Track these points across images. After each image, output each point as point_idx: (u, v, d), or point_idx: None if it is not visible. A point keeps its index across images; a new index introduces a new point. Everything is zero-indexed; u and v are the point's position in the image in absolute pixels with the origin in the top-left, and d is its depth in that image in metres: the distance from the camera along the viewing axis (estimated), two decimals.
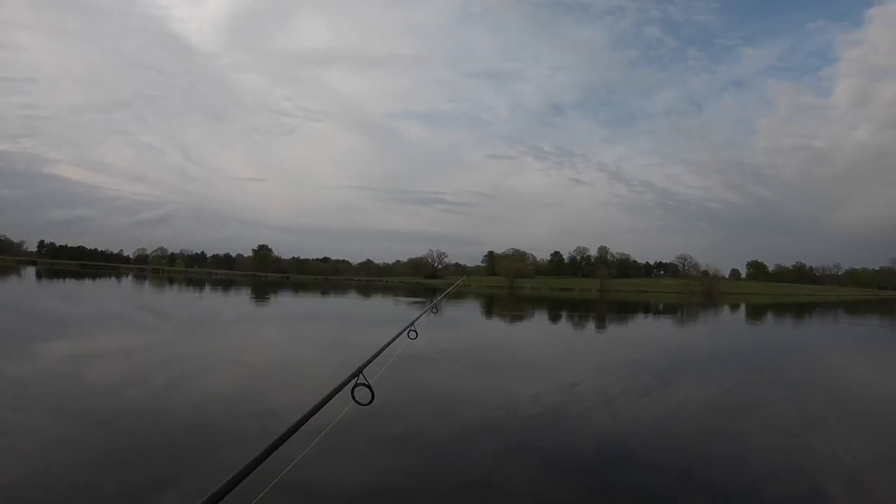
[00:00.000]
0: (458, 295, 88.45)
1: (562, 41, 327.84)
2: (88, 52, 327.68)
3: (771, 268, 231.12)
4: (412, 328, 5.87)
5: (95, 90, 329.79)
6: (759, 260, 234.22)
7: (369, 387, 3.32)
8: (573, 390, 14.47)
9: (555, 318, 46.47)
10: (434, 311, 9.74)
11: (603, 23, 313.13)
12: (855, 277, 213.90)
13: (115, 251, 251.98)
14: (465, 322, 39.02)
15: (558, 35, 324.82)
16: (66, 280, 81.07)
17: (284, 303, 53.77)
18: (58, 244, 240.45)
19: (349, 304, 57.71)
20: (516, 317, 47.23)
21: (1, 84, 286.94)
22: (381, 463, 8.54)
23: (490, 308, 58.74)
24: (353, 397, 3.31)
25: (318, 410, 2.92)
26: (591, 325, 40.45)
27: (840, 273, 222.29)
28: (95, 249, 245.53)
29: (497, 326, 38.92)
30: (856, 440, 10.72)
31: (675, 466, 8.77)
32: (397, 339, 5.24)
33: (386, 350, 4.72)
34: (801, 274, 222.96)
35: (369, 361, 3.75)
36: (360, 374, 3.37)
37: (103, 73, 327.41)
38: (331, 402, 3.06)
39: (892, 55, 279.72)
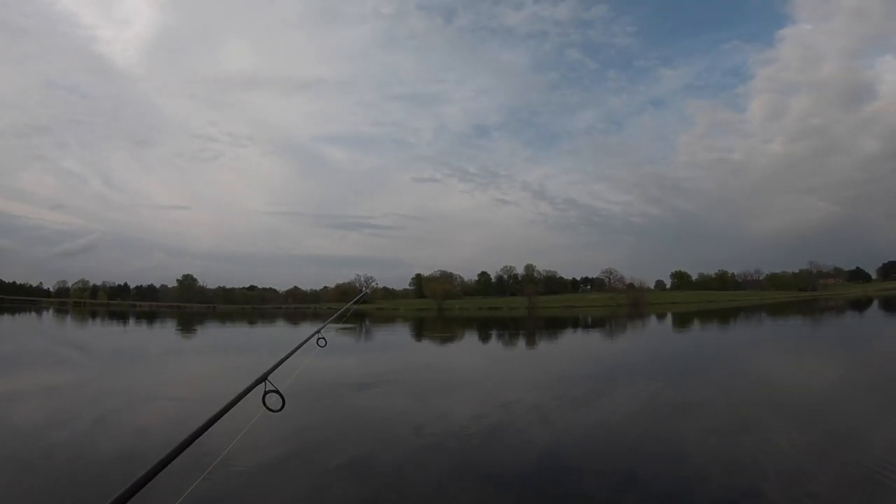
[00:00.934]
0: (387, 319, 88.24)
1: (486, 64, 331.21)
2: (9, 73, 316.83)
3: (694, 276, 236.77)
4: (320, 336, 5.87)
5: (15, 114, 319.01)
6: (682, 270, 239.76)
7: (280, 393, 3.20)
8: (508, 407, 14.42)
9: (485, 338, 46.51)
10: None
11: (526, 46, 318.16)
12: (775, 281, 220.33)
13: (35, 284, 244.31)
14: (394, 346, 38.88)
15: (482, 58, 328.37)
16: None
17: (210, 335, 52.69)
18: None
19: (277, 332, 56.91)
20: (446, 338, 47.15)
21: None
22: (331, 491, 8.36)
23: (419, 330, 58.54)
24: (265, 404, 3.18)
25: (224, 413, 2.85)
26: (521, 343, 40.67)
27: (761, 278, 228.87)
28: (14, 282, 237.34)
29: (427, 349, 38.72)
30: (785, 434, 11.01)
31: (616, 472, 8.83)
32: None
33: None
34: (723, 281, 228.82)
35: (276, 366, 3.63)
36: (267, 381, 3.26)
37: (24, 96, 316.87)
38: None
39: (802, 72, 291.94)
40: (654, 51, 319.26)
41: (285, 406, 3.26)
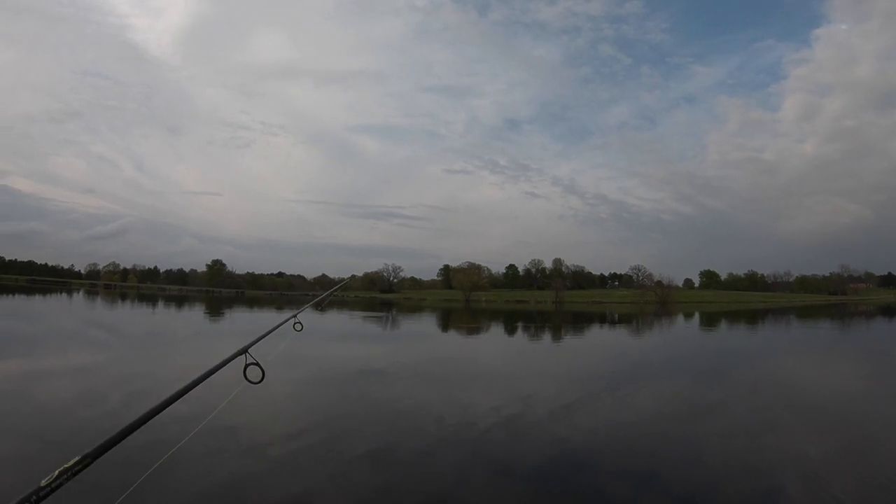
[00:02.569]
0: (414, 308, 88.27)
1: (518, 58, 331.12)
2: (43, 60, 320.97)
3: (724, 276, 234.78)
4: (296, 320, 5.96)
5: (49, 100, 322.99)
6: (711, 269, 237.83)
7: (259, 366, 3.29)
8: (531, 401, 14.43)
9: (511, 331, 46.46)
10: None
11: (559, 41, 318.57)
12: (805, 284, 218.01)
13: (67, 266, 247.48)
14: (419, 335, 39.00)
15: (515, 52, 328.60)
16: (16, 296, 79.35)
17: (238, 318, 53.08)
18: (7, 258, 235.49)
19: (304, 319, 57.08)
20: (471, 330, 47.19)
21: None
22: (351, 479, 8.45)
23: (445, 321, 58.60)
24: (246, 376, 3.27)
25: (202, 381, 2.91)
26: (546, 337, 40.53)
27: (791, 280, 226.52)
28: (46, 264, 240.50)
29: (452, 339, 38.86)
30: (809, 438, 10.93)
31: (634, 471, 8.80)
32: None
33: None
34: (752, 282, 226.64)
35: (257, 341, 3.70)
36: (248, 353, 3.34)
37: (58, 83, 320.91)
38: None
39: (837, 72, 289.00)
40: (687, 47, 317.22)
41: (265, 378, 3.33)
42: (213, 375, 2.92)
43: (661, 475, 8.60)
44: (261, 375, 3.26)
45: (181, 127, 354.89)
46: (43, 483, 1.33)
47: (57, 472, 1.53)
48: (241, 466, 8.55)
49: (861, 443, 10.82)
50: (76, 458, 1.67)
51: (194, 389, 2.84)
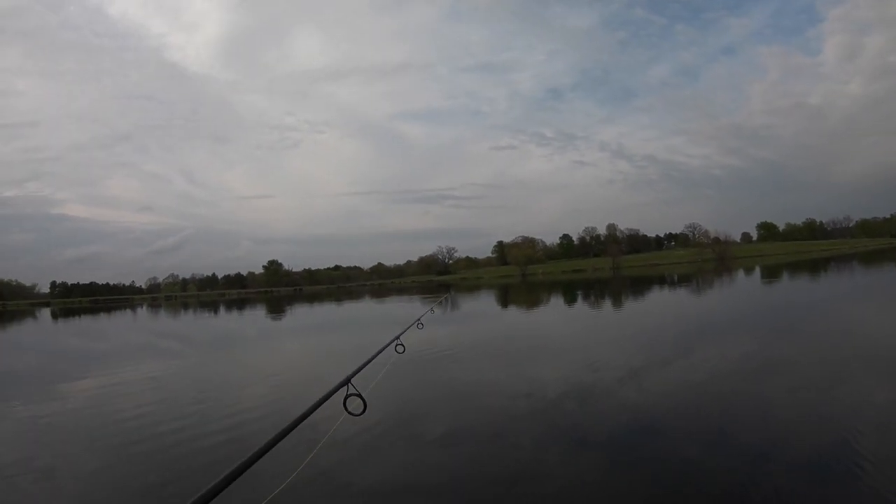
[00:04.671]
0: (471, 288, 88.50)
1: (553, 28, 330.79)
2: (87, 91, 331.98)
3: (781, 227, 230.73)
4: (399, 342, 5.93)
5: (96, 126, 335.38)
6: (768, 220, 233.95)
7: (361, 397, 3.31)
8: (598, 370, 14.51)
9: (570, 301, 46.42)
10: (419, 326, 9.88)
11: (592, 8, 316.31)
12: (867, 228, 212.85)
13: (128, 283, 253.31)
14: (479, 314, 39.17)
15: (549, 23, 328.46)
16: (81, 317, 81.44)
17: (298, 315, 53.81)
18: (70, 283, 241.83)
19: (364, 308, 57.80)
20: (531, 303, 47.20)
21: (2, 131, 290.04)
22: (422, 460, 8.67)
23: (504, 297, 58.65)
24: (346, 408, 3.31)
25: (303, 420, 2.95)
26: (607, 304, 40.42)
27: (851, 225, 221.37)
28: (107, 284, 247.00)
29: (512, 315, 38.99)
30: (879, 389, 10.76)
31: (706, 432, 8.85)
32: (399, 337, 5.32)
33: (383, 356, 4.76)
34: (812, 230, 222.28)
35: (358, 371, 3.74)
36: (350, 384, 3.36)
37: (103, 109, 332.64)
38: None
39: (875, 8, 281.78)
40: (719, 1, 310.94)
41: (366, 411, 3.38)
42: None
43: (732, 433, 8.63)
44: (362, 407, 3.31)
45: (228, 135, 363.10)
46: None
47: None
48: (317, 452, 8.74)
49: None
50: None
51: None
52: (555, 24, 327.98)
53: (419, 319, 10.66)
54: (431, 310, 19.14)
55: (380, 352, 5.08)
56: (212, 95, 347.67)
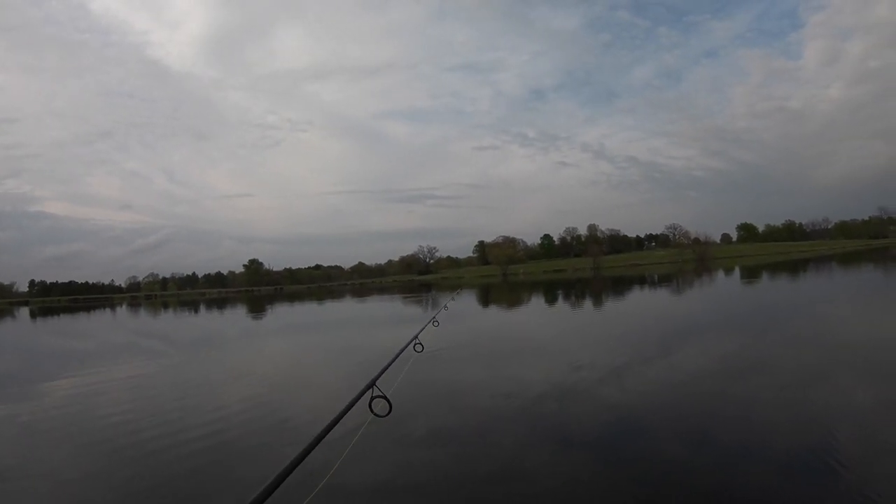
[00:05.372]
0: (452, 287, 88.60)
1: (537, 30, 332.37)
2: (68, 87, 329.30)
3: (761, 228, 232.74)
4: (417, 341, 5.95)
5: (77, 123, 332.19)
6: (748, 222, 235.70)
7: (386, 398, 3.35)
8: (580, 369, 14.58)
9: (551, 301, 46.55)
10: (435, 324, 10.00)
11: (576, 10, 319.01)
12: (845, 230, 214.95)
13: (107, 282, 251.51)
14: (460, 314, 39.22)
15: (534, 24, 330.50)
16: (60, 316, 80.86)
17: (278, 314, 53.66)
18: (49, 281, 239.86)
19: (346, 308, 57.67)
20: (512, 303, 47.30)
21: None
22: (407, 460, 8.66)
23: (484, 298, 58.70)
24: (372, 410, 3.33)
25: (335, 425, 2.96)
26: (588, 304, 40.57)
27: (830, 227, 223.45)
28: (87, 282, 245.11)
29: (493, 315, 39.05)
30: (860, 388, 10.92)
31: (688, 430, 8.94)
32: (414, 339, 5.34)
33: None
34: (791, 232, 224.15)
35: (381, 373, 3.78)
36: (375, 386, 3.40)
37: (84, 106, 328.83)
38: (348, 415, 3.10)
39: (855, 15, 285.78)
40: (702, 3, 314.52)
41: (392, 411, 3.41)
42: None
43: (714, 433, 8.72)
44: (388, 408, 3.34)
45: (210, 133, 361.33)
46: None
47: None
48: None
49: None
50: None
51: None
52: (539, 25, 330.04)
53: (434, 317, 10.78)
54: (445, 306, 19.14)
55: (400, 352, 5.10)
56: (194, 93, 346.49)
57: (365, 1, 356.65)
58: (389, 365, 4.41)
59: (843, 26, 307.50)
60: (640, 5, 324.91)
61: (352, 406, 3.17)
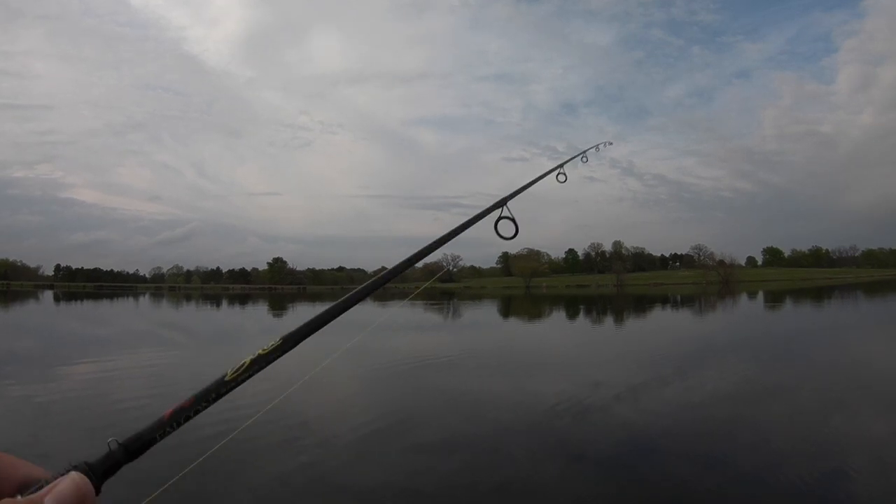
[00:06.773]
0: (474, 297, 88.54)
1: (570, 43, 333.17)
2: (104, 77, 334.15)
3: (787, 253, 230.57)
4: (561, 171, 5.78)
5: (111, 113, 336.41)
6: (774, 246, 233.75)
7: (513, 220, 3.29)
8: (597, 386, 14.52)
9: (573, 316, 46.32)
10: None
11: (609, 26, 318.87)
12: (872, 258, 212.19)
13: (132, 271, 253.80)
14: (481, 324, 39.12)
15: (568, 38, 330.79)
16: (84, 302, 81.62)
17: (301, 313, 53.70)
18: (74, 267, 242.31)
19: (369, 310, 57.57)
20: (534, 316, 47.12)
21: (16, 112, 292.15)
22: (424, 468, 8.64)
23: (506, 309, 58.53)
24: (497, 231, 3.27)
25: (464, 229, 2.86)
26: (609, 321, 40.35)
27: (857, 254, 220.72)
28: (111, 270, 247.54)
29: (514, 327, 38.95)
30: (878, 419, 10.77)
31: (702, 454, 8.89)
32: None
33: None
34: (817, 258, 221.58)
35: (516, 193, 3.65)
36: (505, 206, 3.35)
37: (119, 97, 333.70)
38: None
39: (889, 41, 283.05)
40: (736, 26, 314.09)
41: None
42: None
43: (728, 457, 8.66)
44: (514, 230, 3.25)
45: (241, 131, 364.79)
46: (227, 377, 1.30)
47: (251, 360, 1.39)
48: (312, 456, 8.79)
49: None
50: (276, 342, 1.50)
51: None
52: (573, 39, 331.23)
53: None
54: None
55: (541, 177, 4.96)
56: (228, 90, 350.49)
57: (401, 9, 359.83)
58: (528, 185, 4.32)
59: (877, 52, 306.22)
60: (674, 24, 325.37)
61: (479, 219, 3.01)
